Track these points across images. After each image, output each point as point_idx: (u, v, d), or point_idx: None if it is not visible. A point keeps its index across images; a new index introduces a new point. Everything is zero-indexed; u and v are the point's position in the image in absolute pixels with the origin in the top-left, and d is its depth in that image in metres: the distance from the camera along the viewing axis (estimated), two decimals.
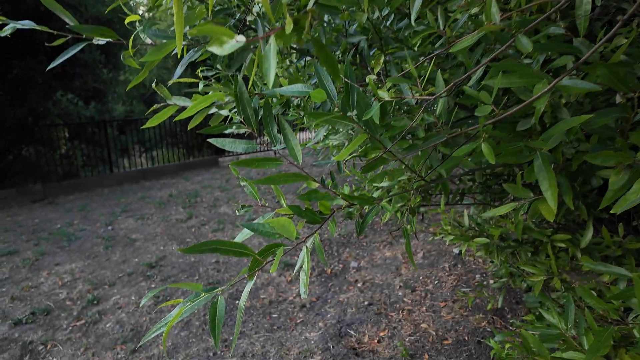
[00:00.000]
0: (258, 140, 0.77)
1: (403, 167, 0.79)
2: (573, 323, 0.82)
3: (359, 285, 3.07)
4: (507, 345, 1.33)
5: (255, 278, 0.68)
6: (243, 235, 0.75)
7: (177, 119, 0.82)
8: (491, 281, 2.79)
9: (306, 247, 0.70)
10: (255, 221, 0.81)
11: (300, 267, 0.71)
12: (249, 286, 0.62)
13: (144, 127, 0.86)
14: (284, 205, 0.78)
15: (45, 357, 2.56)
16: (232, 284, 0.58)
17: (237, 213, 0.81)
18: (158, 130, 9.03)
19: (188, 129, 0.90)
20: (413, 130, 0.77)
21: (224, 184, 7.10)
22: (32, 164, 7.54)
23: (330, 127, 1.55)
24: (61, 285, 3.51)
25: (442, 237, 1.37)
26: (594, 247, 1.16)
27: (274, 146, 0.76)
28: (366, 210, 0.78)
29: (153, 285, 3.36)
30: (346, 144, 1.46)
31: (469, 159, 0.71)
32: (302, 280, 0.67)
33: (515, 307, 2.41)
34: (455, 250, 3.39)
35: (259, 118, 0.76)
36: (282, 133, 0.75)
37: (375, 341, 2.35)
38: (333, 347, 2.33)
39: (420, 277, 3.06)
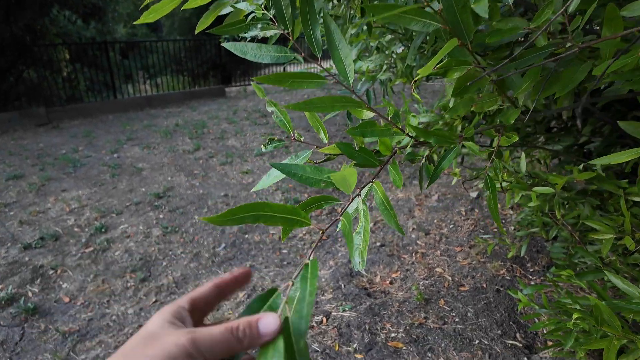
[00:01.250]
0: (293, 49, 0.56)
1: (496, 91, 0.59)
2: None
3: (371, 225, 2.98)
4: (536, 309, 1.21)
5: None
6: (270, 179, 0.57)
7: (185, 7, 0.60)
8: (511, 227, 2.67)
9: (362, 201, 0.53)
10: (287, 160, 0.63)
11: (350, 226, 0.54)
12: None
13: (137, 22, 0.65)
14: (325, 140, 0.60)
15: (56, 282, 2.56)
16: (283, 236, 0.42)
17: (263, 149, 0.63)
18: (162, 57, 8.57)
19: (196, 31, 0.69)
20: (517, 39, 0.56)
21: (231, 115, 6.85)
22: (35, 86, 7.27)
23: (363, 46, 1.30)
24: (69, 211, 3.47)
25: (497, 184, 1.19)
26: None
27: (316, 56, 0.56)
28: (436, 152, 0.60)
29: (161, 216, 3.31)
30: (383, 68, 1.23)
31: (604, 81, 0.50)
32: (357, 247, 0.50)
33: (536, 256, 2.31)
34: (473, 194, 3.25)
35: (295, 14, 0.54)
36: (327, 37, 0.54)
37: (388, 282, 2.29)
38: (344, 285, 2.29)
39: (435, 221, 2.96)
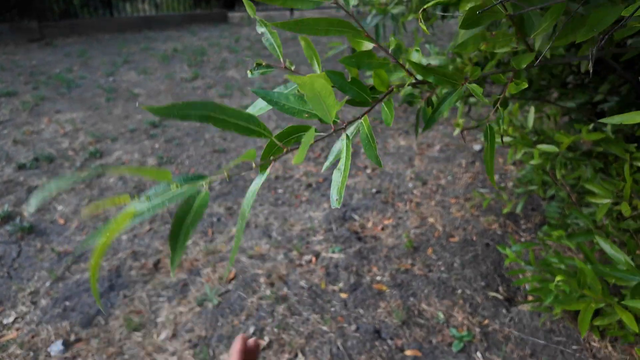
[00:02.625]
0: None
1: (512, 31, 0.51)
2: None
3: (368, 171, 2.95)
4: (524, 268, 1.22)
5: (268, 170, 0.47)
6: (255, 109, 0.51)
7: None
8: (510, 183, 2.65)
9: (347, 135, 0.47)
10: (275, 89, 0.57)
11: (335, 163, 0.50)
12: (257, 182, 0.42)
13: None
14: (318, 70, 0.53)
15: (51, 204, 2.58)
16: (227, 174, 0.37)
17: (250, 75, 0.56)
18: None
19: None
20: None
21: (233, 44, 6.51)
22: None
23: None
24: (63, 134, 3.41)
25: (498, 138, 1.13)
26: None
27: None
28: (438, 94, 0.54)
29: (157, 146, 3.26)
30: (395, 1, 1.11)
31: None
32: (336, 184, 0.46)
33: (530, 214, 2.31)
34: (477, 147, 3.19)
35: None
36: None
37: (379, 228, 2.31)
38: (336, 228, 2.31)
39: (434, 171, 2.92)
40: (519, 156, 1.19)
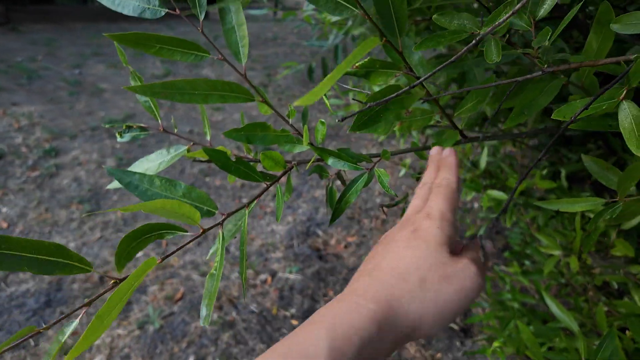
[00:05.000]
0: None
1: (434, 108, 0.44)
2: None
3: (338, 183, 2.88)
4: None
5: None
6: (115, 186, 0.43)
7: None
8: (476, 204, 2.62)
9: (222, 236, 0.39)
10: (151, 156, 0.48)
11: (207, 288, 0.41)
12: (59, 339, 0.33)
13: None
14: (207, 137, 0.45)
15: None
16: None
17: (119, 139, 0.48)
18: None
19: None
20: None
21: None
22: None
23: None
24: (17, 128, 3.21)
25: None
26: (633, 229, 0.90)
27: (200, 19, 0.39)
28: (347, 179, 0.46)
29: (118, 146, 3.10)
30: (350, 22, 1.03)
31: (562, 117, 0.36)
32: (207, 293, 0.38)
33: (494, 237, 2.28)
34: None
35: None
36: None
37: (342, 246, 2.25)
38: (298, 245, 2.23)
39: (403, 187, 2.88)
40: (468, 198, 1.14)
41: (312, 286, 1.88)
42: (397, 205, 0.55)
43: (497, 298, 1.32)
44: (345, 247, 2.25)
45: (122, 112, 3.62)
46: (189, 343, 1.55)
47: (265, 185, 0.45)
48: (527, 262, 1.57)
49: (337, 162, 0.44)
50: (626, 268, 0.87)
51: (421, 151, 0.48)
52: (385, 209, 0.57)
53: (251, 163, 0.44)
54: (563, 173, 0.96)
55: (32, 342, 1.59)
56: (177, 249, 0.40)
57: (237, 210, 0.43)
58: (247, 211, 0.43)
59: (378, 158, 0.47)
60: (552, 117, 0.34)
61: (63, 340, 0.32)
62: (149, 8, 0.38)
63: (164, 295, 1.80)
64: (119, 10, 0.39)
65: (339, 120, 0.37)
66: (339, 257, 2.16)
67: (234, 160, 0.42)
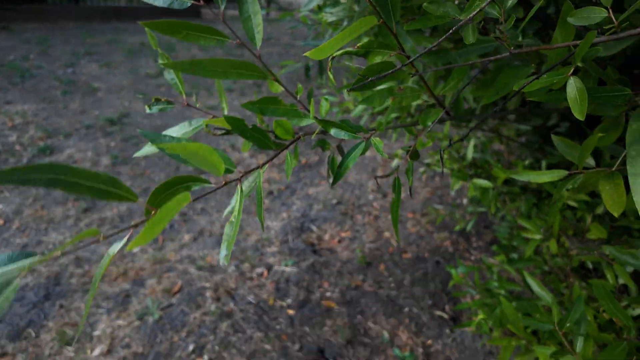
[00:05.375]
0: None
1: (422, 86, 0.50)
2: (574, 323, 0.66)
3: (331, 180, 2.95)
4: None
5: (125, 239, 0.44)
6: (145, 151, 0.48)
7: None
8: (465, 200, 2.70)
9: (241, 190, 0.45)
10: (173, 128, 0.53)
11: (230, 213, 0.47)
12: (114, 248, 0.38)
13: None
14: (225, 110, 0.50)
15: None
16: (61, 252, 0.34)
17: (148, 110, 0.53)
18: None
19: None
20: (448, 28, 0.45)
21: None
22: None
23: None
24: (11, 126, 3.22)
25: (435, 169, 1.14)
26: (606, 214, 0.97)
27: (221, 7, 0.45)
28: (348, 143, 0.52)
29: (112, 144, 3.12)
30: (344, 23, 1.10)
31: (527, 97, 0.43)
32: (227, 237, 0.43)
33: (482, 232, 2.36)
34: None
35: None
36: None
37: (336, 241, 2.30)
38: (292, 240, 2.28)
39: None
40: (456, 187, 1.20)
41: (307, 278, 1.93)
42: (389, 176, 0.60)
43: (484, 287, 1.38)
44: (339, 241, 2.30)
45: (116, 111, 3.64)
46: (188, 332, 1.59)
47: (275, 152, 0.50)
48: (514, 256, 1.64)
49: (339, 132, 0.50)
50: (600, 249, 0.94)
51: (410, 127, 0.54)
52: (378, 180, 0.63)
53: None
54: (544, 164, 1.03)
55: (33, 334, 1.62)
56: (202, 195, 0.45)
57: (253, 170, 0.49)
58: (261, 171, 0.48)
59: (374, 130, 0.53)
60: (514, 88, 0.40)
61: (112, 255, 0.38)
62: (176, 1, 0.44)
63: (162, 288, 1.84)
64: (150, 2, 0.45)
65: (348, 91, 0.43)
66: (332, 251, 2.22)
67: (250, 127, 0.47)
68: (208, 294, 1.80)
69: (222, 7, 0.47)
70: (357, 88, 0.46)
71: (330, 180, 0.52)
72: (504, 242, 1.85)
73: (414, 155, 0.55)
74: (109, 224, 2.38)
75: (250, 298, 1.79)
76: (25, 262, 0.32)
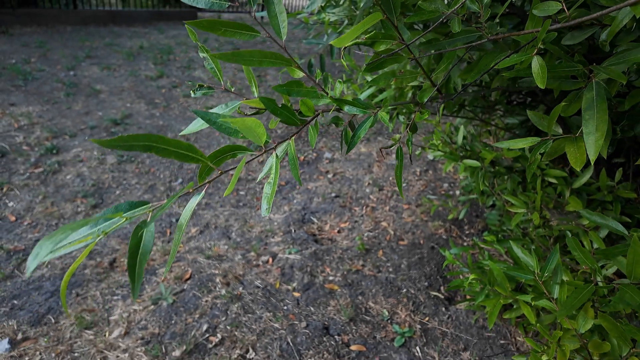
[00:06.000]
0: None
1: (418, 70, 0.62)
2: (551, 272, 0.78)
3: (329, 176, 3.06)
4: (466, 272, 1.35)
5: (203, 191, 0.55)
6: (196, 126, 0.59)
7: None
8: (457, 192, 2.83)
9: (276, 155, 0.56)
10: (215, 109, 0.64)
11: (267, 177, 0.58)
12: (194, 201, 0.49)
13: None
14: (255, 94, 0.61)
15: (2, 200, 2.50)
16: (171, 202, 0.45)
17: (192, 95, 0.64)
18: None
19: None
20: (437, 21, 0.57)
21: (201, 43, 6.47)
22: None
23: None
24: (17, 127, 3.29)
25: (428, 152, 1.26)
26: (583, 188, 1.09)
27: (253, 8, 0.56)
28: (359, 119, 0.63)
29: None
30: (345, 22, 1.21)
31: (503, 74, 0.54)
32: (266, 195, 0.54)
33: (474, 220, 2.49)
34: (430, 156, 3.37)
35: None
36: None
37: (336, 231, 2.42)
38: (295, 231, 2.39)
39: (390, 178, 3.07)
40: (448, 168, 1.32)
41: (310, 264, 2.04)
42: (392, 147, 0.72)
43: (476, 265, 1.50)
44: (339, 232, 2.42)
45: (119, 112, 3.73)
46: (201, 314, 1.69)
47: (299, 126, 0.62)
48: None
49: (352, 109, 0.61)
50: (578, 220, 1.06)
51: (409, 104, 0.65)
52: (383, 150, 0.74)
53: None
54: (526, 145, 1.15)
55: (52, 320, 1.71)
56: (251, 159, 0.56)
57: (284, 141, 0.60)
58: (291, 141, 0.59)
59: (380, 106, 0.64)
60: (491, 66, 0.52)
61: (194, 205, 0.48)
62: (216, 2, 0.55)
63: (174, 276, 1.94)
64: (194, 4, 0.56)
65: (363, 72, 0.54)
66: (333, 240, 2.33)
67: (280, 106, 0.58)
68: (218, 279, 1.90)
69: (254, 8, 0.58)
70: (371, 69, 0.57)
71: (344, 150, 0.63)
72: (493, 228, 1.98)
73: (413, 128, 0.66)
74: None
75: (258, 283, 1.89)
76: (145, 207, 0.43)
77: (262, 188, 2.86)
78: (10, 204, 2.49)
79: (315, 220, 2.51)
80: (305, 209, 2.63)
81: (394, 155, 3.41)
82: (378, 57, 0.56)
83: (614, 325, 0.66)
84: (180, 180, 2.88)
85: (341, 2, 1.32)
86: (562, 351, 0.66)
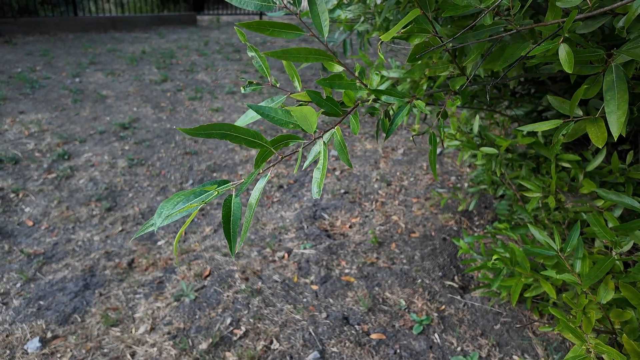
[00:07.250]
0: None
1: (449, 60, 0.66)
2: (573, 247, 0.82)
3: (337, 173, 3.11)
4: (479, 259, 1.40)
5: (269, 174, 0.60)
6: (247, 119, 0.64)
7: None
8: (465, 184, 2.88)
9: (324, 142, 0.61)
10: (263, 103, 0.69)
11: (314, 162, 0.63)
12: (262, 182, 0.54)
13: None
14: (299, 88, 0.66)
15: (18, 205, 2.55)
16: (247, 184, 0.50)
17: (243, 91, 0.69)
18: None
19: None
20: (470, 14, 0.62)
21: (202, 47, 6.52)
22: None
23: None
24: (28, 135, 3.34)
25: (446, 142, 1.31)
26: (595, 172, 1.14)
27: (297, 9, 0.60)
28: (394, 108, 0.67)
29: (127, 147, 3.26)
30: (362, 19, 1.26)
31: (529, 61, 0.59)
32: (316, 180, 0.59)
33: (483, 211, 2.54)
34: (437, 151, 3.42)
35: None
36: None
37: (347, 226, 2.46)
38: (307, 227, 2.44)
39: (397, 173, 3.12)
40: (465, 156, 1.37)
41: (325, 258, 2.09)
42: (422, 134, 0.76)
43: (490, 253, 1.55)
44: (350, 227, 2.46)
45: (126, 116, 3.77)
46: (224, 308, 1.74)
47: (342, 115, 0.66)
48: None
49: (389, 98, 0.66)
50: (592, 202, 1.11)
51: (440, 92, 0.70)
52: (413, 136, 0.79)
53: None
54: (539, 133, 1.20)
55: (78, 318, 1.76)
56: (293, 152, 0.61)
57: (329, 129, 0.64)
58: (335, 130, 0.64)
59: (414, 95, 0.68)
60: (521, 53, 0.57)
61: (263, 184, 0.53)
62: (265, 4, 0.60)
63: (193, 274, 1.99)
64: (243, 7, 0.61)
65: (408, 59, 0.59)
66: (345, 235, 2.38)
67: (324, 98, 0.63)
68: (237, 275, 1.95)
69: (298, 10, 0.63)
70: (413, 59, 0.62)
71: (382, 138, 0.68)
72: (503, 218, 2.02)
73: (444, 114, 0.71)
74: (131, 220, 2.51)
75: (276, 277, 1.94)
76: (229, 185, 0.48)
77: (272, 187, 2.91)
78: (27, 209, 2.54)
79: (326, 216, 2.56)
80: (315, 206, 2.67)
81: (399, 151, 3.45)
82: (417, 49, 0.61)
83: (634, 294, 0.70)
84: (191, 181, 2.92)
85: (355, 1, 1.37)
86: (587, 319, 0.70)
